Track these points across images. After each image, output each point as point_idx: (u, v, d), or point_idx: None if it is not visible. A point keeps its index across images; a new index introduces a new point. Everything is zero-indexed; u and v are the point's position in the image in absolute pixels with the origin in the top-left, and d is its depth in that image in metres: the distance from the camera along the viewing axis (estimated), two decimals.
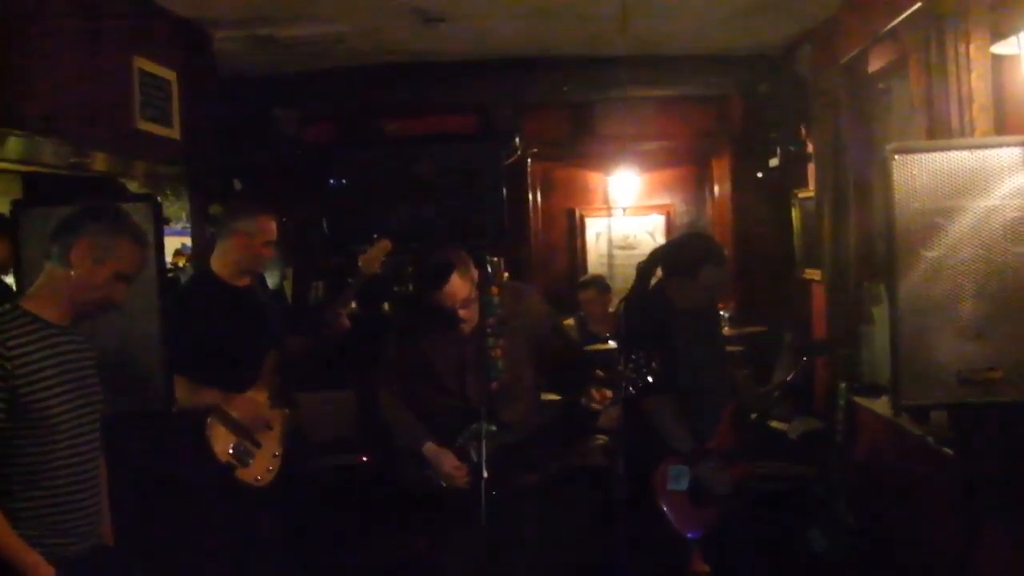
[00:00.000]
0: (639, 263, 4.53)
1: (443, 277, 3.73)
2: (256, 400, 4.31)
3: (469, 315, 3.85)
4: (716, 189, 8.18)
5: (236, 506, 4.22)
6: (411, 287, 3.91)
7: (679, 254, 4.41)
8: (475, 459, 3.35)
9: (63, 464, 2.78)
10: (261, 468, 4.28)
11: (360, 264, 4.73)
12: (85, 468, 2.87)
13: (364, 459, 6.04)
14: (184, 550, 4.26)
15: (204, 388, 4.16)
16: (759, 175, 7.10)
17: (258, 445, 4.29)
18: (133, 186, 5.08)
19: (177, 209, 5.73)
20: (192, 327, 4.14)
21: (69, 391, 2.81)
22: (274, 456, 4.35)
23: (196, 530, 4.27)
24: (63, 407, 2.77)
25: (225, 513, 4.21)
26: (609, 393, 3.72)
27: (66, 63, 4.35)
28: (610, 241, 8.31)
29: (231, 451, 4.19)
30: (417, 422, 3.93)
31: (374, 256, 4.74)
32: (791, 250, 7.02)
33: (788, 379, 5.18)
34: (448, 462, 3.79)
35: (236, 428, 4.22)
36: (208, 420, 4.14)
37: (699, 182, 8.43)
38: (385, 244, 4.77)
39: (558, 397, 4.18)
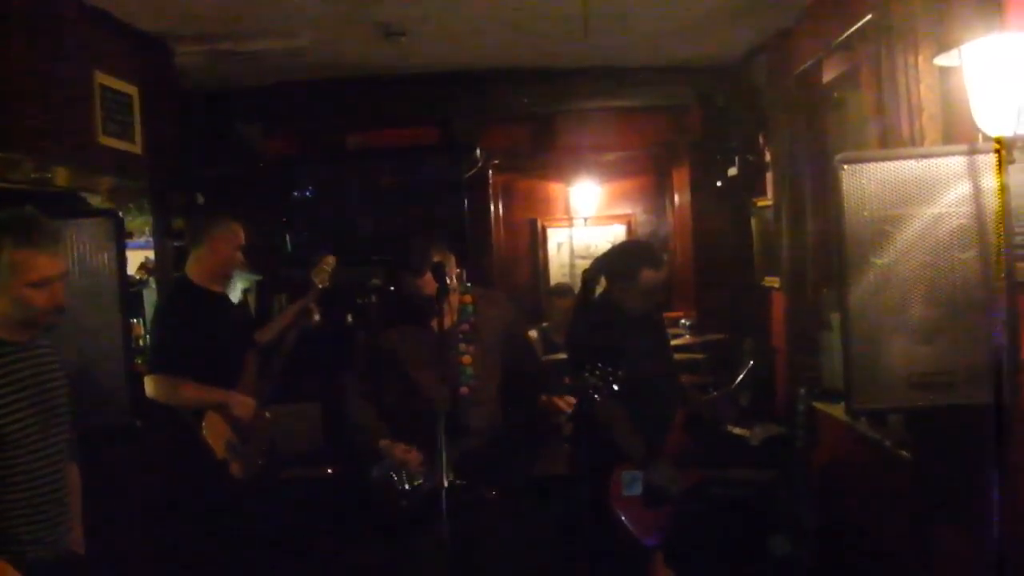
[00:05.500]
0: (583, 271, 4.63)
1: (423, 265, 3.67)
2: (251, 400, 4.40)
3: (448, 310, 3.77)
4: (676, 198, 8.26)
5: (228, 503, 4.26)
6: (388, 278, 3.91)
7: (618, 260, 4.50)
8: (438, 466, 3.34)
9: (21, 478, 2.79)
10: (250, 467, 4.36)
11: (312, 277, 4.94)
12: (47, 479, 2.87)
13: (330, 471, 6.05)
14: (175, 548, 4.34)
15: (210, 387, 4.27)
16: (718, 184, 7.15)
17: (245, 444, 4.36)
18: (96, 201, 5.08)
19: (140, 223, 5.74)
20: (181, 331, 4.28)
21: (26, 405, 2.80)
22: (258, 457, 4.43)
23: (187, 527, 4.32)
24: (18, 422, 2.77)
25: (219, 509, 4.25)
26: (573, 400, 3.73)
27: (27, 78, 4.35)
28: (572, 251, 8.38)
29: (225, 448, 4.26)
30: (379, 421, 3.85)
31: (321, 269, 4.96)
32: (750, 258, 7.06)
33: (732, 386, 5.25)
34: (400, 449, 3.73)
35: (235, 425, 4.30)
36: (204, 420, 4.21)
37: (659, 192, 8.54)
38: (330, 259, 5.00)
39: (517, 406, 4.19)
